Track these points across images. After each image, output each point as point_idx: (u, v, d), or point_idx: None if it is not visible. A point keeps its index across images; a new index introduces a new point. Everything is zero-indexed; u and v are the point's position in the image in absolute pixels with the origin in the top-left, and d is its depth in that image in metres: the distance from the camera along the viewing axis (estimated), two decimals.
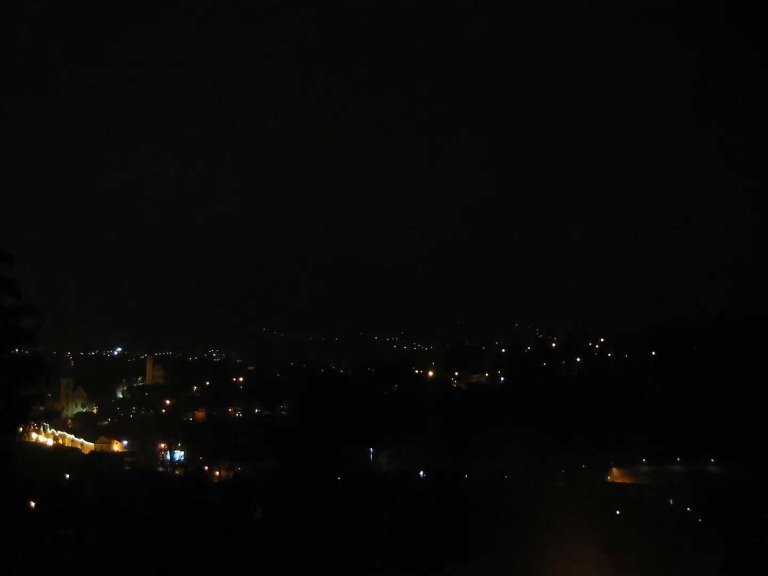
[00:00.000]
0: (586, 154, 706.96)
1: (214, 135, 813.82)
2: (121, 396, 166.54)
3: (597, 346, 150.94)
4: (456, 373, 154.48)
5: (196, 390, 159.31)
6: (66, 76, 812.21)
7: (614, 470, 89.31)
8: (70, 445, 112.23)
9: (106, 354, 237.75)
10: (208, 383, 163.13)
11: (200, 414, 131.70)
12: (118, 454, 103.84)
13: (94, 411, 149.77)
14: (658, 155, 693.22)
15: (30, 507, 34.79)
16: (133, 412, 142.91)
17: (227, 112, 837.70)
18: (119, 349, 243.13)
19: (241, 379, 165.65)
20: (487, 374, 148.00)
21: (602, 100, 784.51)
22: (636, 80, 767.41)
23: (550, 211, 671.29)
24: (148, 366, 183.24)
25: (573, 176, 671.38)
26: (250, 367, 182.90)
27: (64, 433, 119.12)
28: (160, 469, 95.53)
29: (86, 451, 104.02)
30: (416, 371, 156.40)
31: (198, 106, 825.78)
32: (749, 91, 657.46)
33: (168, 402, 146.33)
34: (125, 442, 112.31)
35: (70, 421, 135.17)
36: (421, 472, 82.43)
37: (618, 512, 56.68)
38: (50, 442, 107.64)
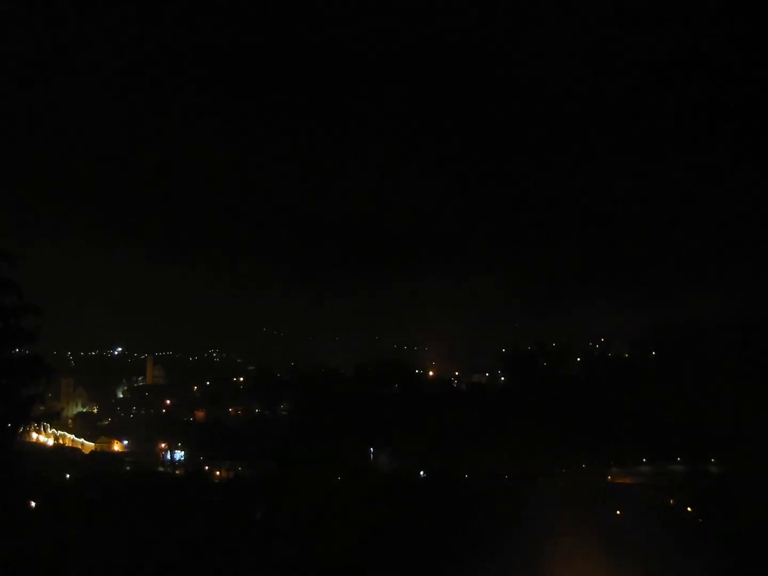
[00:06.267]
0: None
1: None
2: (121, 396, 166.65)
3: (597, 346, 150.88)
4: (456, 373, 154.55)
5: (196, 390, 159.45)
6: None
7: (614, 470, 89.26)
8: (70, 445, 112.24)
9: (106, 354, 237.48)
10: (208, 383, 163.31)
11: (200, 414, 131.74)
12: (118, 454, 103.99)
13: (95, 411, 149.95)
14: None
15: (30, 507, 34.78)
16: (133, 412, 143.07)
17: None
18: (119, 349, 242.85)
19: (241, 378, 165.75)
20: (487, 374, 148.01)
21: None
22: None
23: (552, 212, 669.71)
24: (148, 366, 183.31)
25: (572, 185, 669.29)
26: (250, 367, 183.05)
27: (65, 433, 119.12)
28: (161, 469, 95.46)
29: (86, 451, 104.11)
30: (416, 371, 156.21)
31: None
32: None
33: (168, 402, 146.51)
34: (125, 442, 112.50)
35: (70, 421, 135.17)
36: (422, 472, 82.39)
37: (618, 512, 56.63)
38: (50, 442, 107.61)
